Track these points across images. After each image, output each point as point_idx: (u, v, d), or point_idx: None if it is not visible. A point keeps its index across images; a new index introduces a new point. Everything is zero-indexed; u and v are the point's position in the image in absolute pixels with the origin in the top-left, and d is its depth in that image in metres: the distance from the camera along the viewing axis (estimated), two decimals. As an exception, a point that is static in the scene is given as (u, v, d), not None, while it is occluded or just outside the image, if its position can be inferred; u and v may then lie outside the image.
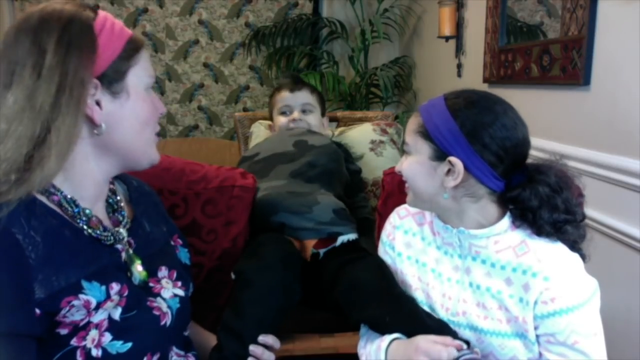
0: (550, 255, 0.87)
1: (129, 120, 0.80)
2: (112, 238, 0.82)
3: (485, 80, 2.27)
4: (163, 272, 0.90)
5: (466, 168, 0.86)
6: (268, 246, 1.21)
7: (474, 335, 0.93)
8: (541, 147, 1.58)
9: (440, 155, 0.88)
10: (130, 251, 0.85)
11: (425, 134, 0.89)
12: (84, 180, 0.80)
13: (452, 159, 0.86)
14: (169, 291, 0.88)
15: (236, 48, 3.55)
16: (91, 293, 0.75)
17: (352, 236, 1.35)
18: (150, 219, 0.94)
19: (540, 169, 0.88)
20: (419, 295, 1.00)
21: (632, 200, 1.38)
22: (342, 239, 1.33)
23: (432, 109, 0.90)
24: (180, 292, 0.90)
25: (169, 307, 0.85)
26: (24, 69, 0.72)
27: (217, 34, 3.53)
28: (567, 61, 1.65)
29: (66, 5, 0.78)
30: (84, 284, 0.74)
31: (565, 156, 1.58)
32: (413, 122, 0.93)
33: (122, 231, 0.85)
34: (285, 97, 1.71)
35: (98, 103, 0.77)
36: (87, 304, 0.74)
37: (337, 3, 3.43)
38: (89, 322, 0.74)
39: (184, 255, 1.00)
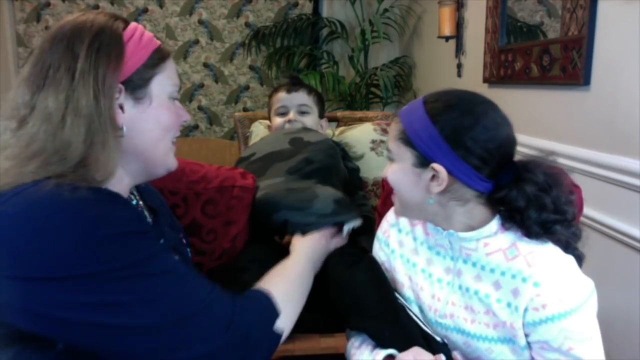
0: (540, 259, 0.84)
1: (150, 125, 0.83)
2: None
3: (485, 80, 2.27)
4: None
5: (451, 173, 0.84)
6: (251, 271, 1.19)
7: (462, 338, 0.92)
8: (541, 147, 1.58)
9: (424, 161, 0.86)
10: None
11: (407, 140, 0.88)
12: (116, 177, 0.82)
13: (435, 165, 0.84)
14: None
15: (236, 48, 3.55)
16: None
17: (357, 222, 1.32)
18: (163, 218, 0.96)
19: (528, 167, 0.85)
20: (409, 294, 1.00)
21: (632, 200, 1.38)
22: (347, 227, 1.30)
23: (411, 115, 0.89)
24: None
25: None
26: (57, 71, 0.76)
27: (217, 34, 3.53)
28: (567, 61, 1.65)
29: (98, 15, 0.82)
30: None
31: (566, 156, 1.59)
32: (394, 129, 0.91)
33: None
34: (281, 97, 1.70)
35: (121, 107, 0.80)
36: None
37: (337, 3, 3.43)
38: None
39: (189, 254, 1.03)
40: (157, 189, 1.09)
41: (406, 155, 0.88)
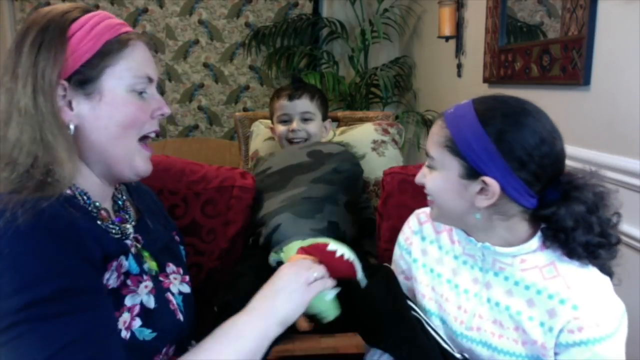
0: (580, 282, 0.82)
1: (103, 122, 0.78)
2: (120, 232, 0.83)
3: (485, 80, 2.27)
4: (171, 267, 0.91)
5: (502, 188, 0.79)
6: (248, 276, 1.20)
7: (487, 352, 0.90)
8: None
9: (472, 173, 0.81)
10: (139, 246, 0.86)
11: (455, 149, 0.81)
12: (86, 176, 0.81)
13: (487, 179, 0.79)
14: (176, 287, 0.89)
15: (236, 48, 3.55)
16: (129, 265, 0.79)
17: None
18: (152, 217, 0.95)
19: (575, 184, 0.81)
20: (431, 306, 0.97)
21: (632, 200, 1.38)
22: (335, 247, 1.22)
23: (460, 121, 0.82)
24: (187, 289, 0.91)
25: (177, 303, 0.87)
26: (6, 72, 0.74)
27: (217, 34, 3.53)
28: (567, 61, 1.65)
29: (57, 7, 0.78)
30: (122, 259, 0.78)
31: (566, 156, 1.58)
32: (439, 134, 0.84)
33: (129, 227, 0.86)
34: (284, 105, 1.67)
35: (70, 104, 0.77)
36: (119, 268, 0.77)
37: (337, 3, 3.43)
38: (122, 302, 0.76)
39: (183, 252, 1.02)
40: (156, 189, 1.08)
41: (452, 165, 0.83)
